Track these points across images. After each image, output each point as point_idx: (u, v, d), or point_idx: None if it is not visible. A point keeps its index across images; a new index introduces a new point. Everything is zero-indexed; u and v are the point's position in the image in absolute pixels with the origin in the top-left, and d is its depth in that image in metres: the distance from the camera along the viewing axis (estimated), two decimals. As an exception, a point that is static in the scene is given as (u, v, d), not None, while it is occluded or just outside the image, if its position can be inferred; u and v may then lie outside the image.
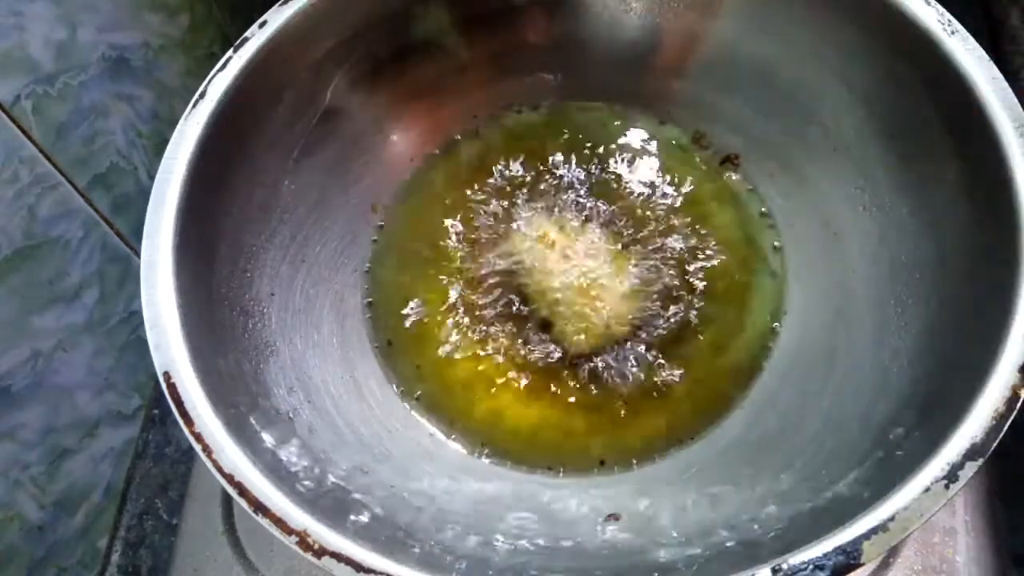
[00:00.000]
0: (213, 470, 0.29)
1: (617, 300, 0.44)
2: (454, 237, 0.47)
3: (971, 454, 0.27)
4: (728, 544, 0.30)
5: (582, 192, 0.47)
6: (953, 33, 0.34)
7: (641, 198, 0.47)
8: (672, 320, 0.43)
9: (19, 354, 0.42)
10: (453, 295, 0.45)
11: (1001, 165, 0.32)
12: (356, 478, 0.34)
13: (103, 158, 0.47)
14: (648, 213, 0.46)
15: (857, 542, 0.26)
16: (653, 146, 0.49)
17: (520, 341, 0.43)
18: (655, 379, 0.42)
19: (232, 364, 0.34)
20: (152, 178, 0.35)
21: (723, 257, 0.45)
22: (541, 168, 0.48)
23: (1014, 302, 0.30)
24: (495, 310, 0.44)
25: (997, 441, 0.27)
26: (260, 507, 0.29)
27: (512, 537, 0.34)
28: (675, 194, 0.47)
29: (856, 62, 0.39)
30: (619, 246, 0.45)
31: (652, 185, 0.47)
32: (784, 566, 0.26)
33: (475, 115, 0.49)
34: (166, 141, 0.35)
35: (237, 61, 0.37)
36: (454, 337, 0.44)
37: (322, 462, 0.34)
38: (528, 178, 0.48)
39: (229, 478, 0.29)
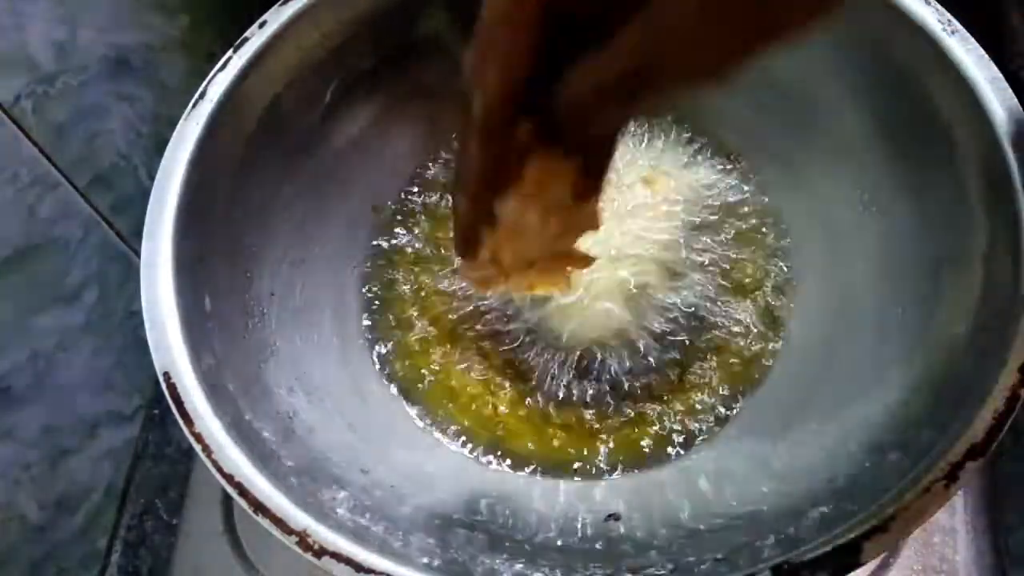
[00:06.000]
0: (213, 470, 0.29)
1: (614, 298, 0.44)
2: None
3: (971, 454, 0.27)
4: (726, 545, 0.30)
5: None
6: (953, 33, 0.34)
7: (640, 196, 0.47)
8: (667, 317, 0.43)
9: (19, 354, 0.42)
10: (456, 294, 0.45)
11: (1001, 165, 0.32)
12: (356, 478, 0.34)
13: (103, 158, 0.46)
14: (648, 212, 0.46)
15: (857, 542, 0.26)
16: (652, 146, 0.49)
17: (523, 340, 0.43)
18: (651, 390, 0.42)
19: (232, 364, 0.34)
20: (152, 178, 0.35)
21: (723, 256, 0.45)
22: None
23: (1014, 302, 0.30)
24: (498, 310, 0.44)
25: (997, 441, 0.28)
26: (260, 507, 0.29)
27: (515, 537, 0.34)
28: (674, 193, 0.47)
29: (856, 62, 0.39)
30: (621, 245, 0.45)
31: (651, 184, 0.47)
32: (784, 566, 0.26)
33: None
34: (166, 141, 0.35)
35: (237, 61, 0.37)
36: (457, 338, 0.44)
37: (322, 462, 0.34)
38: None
39: (229, 478, 0.29)
